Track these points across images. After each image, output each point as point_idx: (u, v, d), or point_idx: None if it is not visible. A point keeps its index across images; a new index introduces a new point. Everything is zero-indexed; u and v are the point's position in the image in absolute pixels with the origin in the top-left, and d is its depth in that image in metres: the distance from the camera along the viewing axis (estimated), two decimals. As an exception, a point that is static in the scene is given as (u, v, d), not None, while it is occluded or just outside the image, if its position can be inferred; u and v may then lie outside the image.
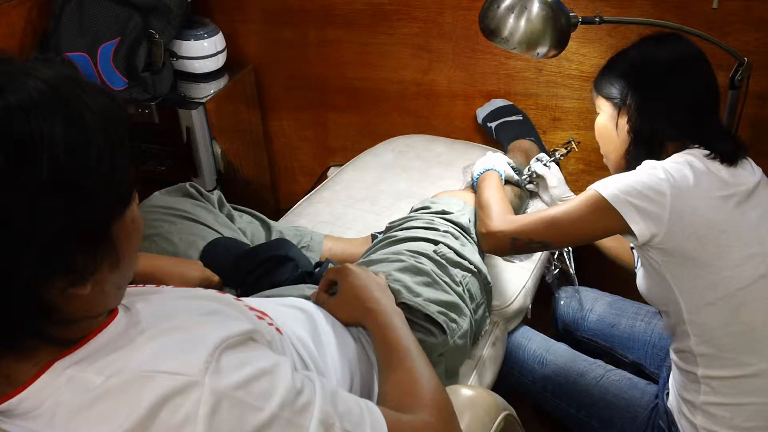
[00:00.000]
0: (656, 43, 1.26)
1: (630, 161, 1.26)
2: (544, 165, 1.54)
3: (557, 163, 1.56)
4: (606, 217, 1.15)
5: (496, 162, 1.51)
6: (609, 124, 1.29)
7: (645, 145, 1.24)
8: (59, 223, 0.59)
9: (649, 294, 1.26)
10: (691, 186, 1.13)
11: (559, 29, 1.34)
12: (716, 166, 1.16)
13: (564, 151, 1.59)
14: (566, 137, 1.95)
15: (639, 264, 1.28)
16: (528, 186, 1.59)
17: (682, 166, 1.15)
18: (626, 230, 1.14)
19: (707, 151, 1.18)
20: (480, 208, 1.37)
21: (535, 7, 1.31)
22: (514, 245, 1.27)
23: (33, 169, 0.58)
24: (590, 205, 1.17)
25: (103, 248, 0.65)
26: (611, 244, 1.52)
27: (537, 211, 1.27)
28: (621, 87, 1.25)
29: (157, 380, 0.65)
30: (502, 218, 1.30)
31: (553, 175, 1.52)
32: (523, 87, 1.93)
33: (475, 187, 1.48)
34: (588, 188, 1.20)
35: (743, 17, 1.63)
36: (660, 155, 1.22)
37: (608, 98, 1.28)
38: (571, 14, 1.35)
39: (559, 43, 1.37)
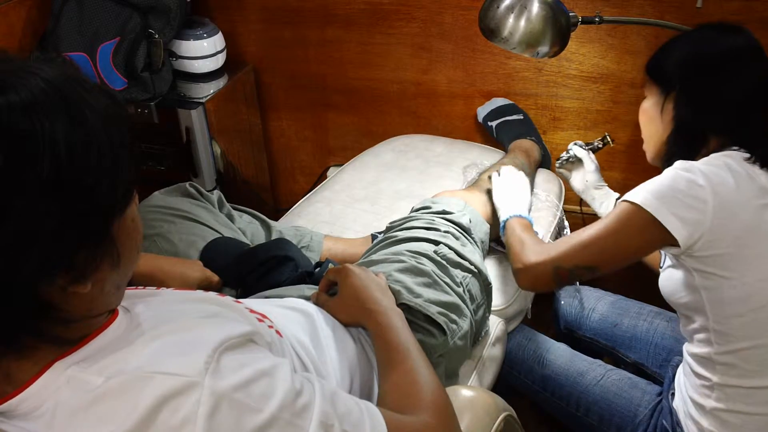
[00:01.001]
0: (717, 31, 1.20)
1: (669, 149, 1.21)
2: (589, 153, 1.55)
3: (594, 152, 1.57)
4: (645, 227, 1.09)
5: (522, 206, 1.43)
6: (654, 108, 1.23)
7: (687, 135, 1.18)
8: (60, 221, 0.60)
9: (674, 298, 1.21)
10: (732, 191, 1.08)
11: (559, 29, 1.34)
12: (756, 171, 1.11)
13: (601, 144, 1.59)
14: (566, 137, 1.95)
15: (665, 265, 1.25)
16: (561, 170, 1.59)
17: (721, 170, 1.09)
18: (668, 240, 1.08)
19: (747, 155, 1.12)
20: (512, 246, 1.28)
21: (535, 7, 1.31)
22: (557, 275, 1.18)
23: (34, 167, 0.58)
24: (627, 218, 1.10)
25: (104, 247, 0.65)
26: None
27: (568, 235, 1.21)
28: (672, 72, 1.20)
29: (156, 381, 0.65)
30: (539, 249, 1.22)
31: (591, 160, 1.53)
32: (522, 87, 1.93)
33: (502, 233, 1.39)
34: (618, 202, 1.14)
35: (743, 17, 1.63)
36: (700, 149, 1.17)
37: (658, 82, 1.22)
38: (571, 14, 1.35)
39: (559, 43, 1.37)
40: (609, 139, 1.60)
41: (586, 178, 1.52)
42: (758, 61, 1.16)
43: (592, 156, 1.55)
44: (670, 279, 1.21)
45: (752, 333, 1.11)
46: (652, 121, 1.25)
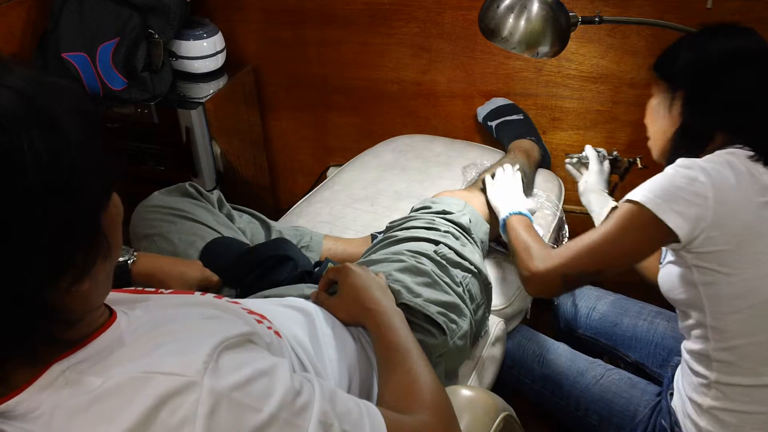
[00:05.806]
0: (725, 33, 1.20)
1: (674, 146, 1.21)
2: (601, 157, 1.51)
3: (615, 163, 1.53)
4: (647, 226, 1.09)
5: (518, 203, 1.42)
6: (662, 106, 1.24)
7: (693, 132, 1.19)
8: (55, 226, 0.60)
9: (672, 294, 1.22)
10: (732, 187, 1.08)
11: (558, 29, 1.34)
12: (759, 170, 1.10)
13: (626, 161, 1.53)
14: (566, 137, 1.95)
15: (665, 261, 1.24)
16: (569, 167, 1.56)
17: (722, 167, 1.09)
18: (671, 237, 1.08)
19: (751, 153, 1.12)
20: (518, 252, 1.27)
21: (535, 7, 1.32)
22: (565, 282, 1.18)
23: (21, 180, 0.58)
24: (630, 218, 1.10)
25: (97, 241, 0.65)
26: None
27: (574, 240, 1.22)
28: (680, 72, 1.20)
29: (155, 381, 0.65)
30: (545, 255, 1.20)
31: (597, 162, 1.49)
32: (522, 87, 1.93)
33: (503, 233, 1.40)
34: (620, 203, 1.14)
35: (743, 17, 1.63)
36: (705, 146, 1.16)
37: (666, 80, 1.23)
38: (570, 14, 1.35)
39: (559, 43, 1.37)
40: (638, 162, 1.52)
41: (587, 179, 1.49)
42: (764, 62, 1.16)
43: (606, 166, 1.51)
44: (669, 275, 1.21)
45: (749, 330, 1.11)
46: (659, 118, 1.25)
